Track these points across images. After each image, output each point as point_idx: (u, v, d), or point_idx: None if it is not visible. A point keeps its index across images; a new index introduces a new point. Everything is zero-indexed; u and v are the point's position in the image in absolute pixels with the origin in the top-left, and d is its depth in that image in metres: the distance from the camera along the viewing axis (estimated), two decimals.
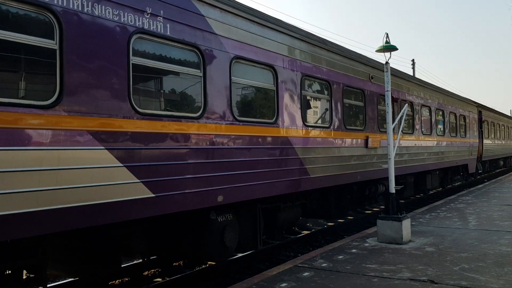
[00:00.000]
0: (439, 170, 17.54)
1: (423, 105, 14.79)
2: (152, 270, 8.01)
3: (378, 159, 11.45)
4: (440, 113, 16.65)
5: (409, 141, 13.69)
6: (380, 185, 12.37)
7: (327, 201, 10.62)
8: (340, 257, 7.22)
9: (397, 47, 8.60)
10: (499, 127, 28.88)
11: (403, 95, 13.15)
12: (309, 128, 8.59)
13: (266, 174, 7.36)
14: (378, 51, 8.69)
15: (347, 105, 10.17)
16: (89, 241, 5.78)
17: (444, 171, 18.64)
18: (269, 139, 7.45)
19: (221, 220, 6.86)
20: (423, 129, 14.71)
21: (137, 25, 5.30)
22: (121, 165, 5.04)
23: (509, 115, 41.21)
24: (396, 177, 13.52)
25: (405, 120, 13.09)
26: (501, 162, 31.55)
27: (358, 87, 10.62)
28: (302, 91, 8.45)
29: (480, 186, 20.42)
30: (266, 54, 7.47)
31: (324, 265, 6.73)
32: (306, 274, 6.25)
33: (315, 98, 9.19)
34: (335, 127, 9.50)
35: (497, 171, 30.93)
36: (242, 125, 6.83)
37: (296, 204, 8.87)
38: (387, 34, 8.52)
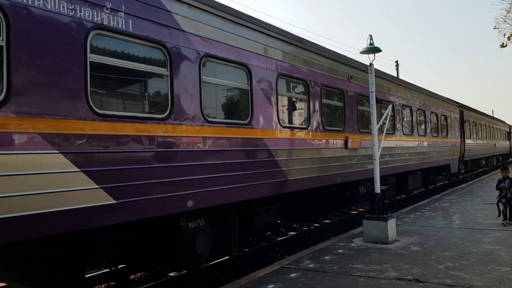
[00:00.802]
0: (421, 171, 17.46)
1: (404, 105, 14.67)
2: (138, 274, 7.72)
3: (358, 160, 11.26)
4: (422, 113, 16.57)
5: (390, 142, 13.54)
6: (361, 187, 12.17)
7: (307, 204, 10.39)
8: (327, 257, 7.23)
9: (381, 48, 8.68)
10: (481, 127, 29.07)
11: (384, 95, 12.99)
12: (286, 129, 8.33)
13: (240, 177, 7.07)
14: (362, 52, 8.73)
15: (325, 105, 9.94)
16: (47, 250, 5.42)
17: (426, 172, 18.57)
18: (243, 141, 7.17)
19: (192, 226, 6.55)
20: (404, 130, 14.59)
21: (95, 20, 4.96)
22: (78, 170, 4.70)
23: (491, 115, 41.64)
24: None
25: (388, 120, 12.95)
26: (483, 162, 31.77)
27: (337, 87, 10.40)
28: (278, 91, 8.19)
29: (463, 185, 20.55)
30: (239, 52, 7.19)
31: (311, 265, 6.74)
32: (293, 275, 6.26)
33: (292, 99, 8.93)
34: (313, 128, 9.26)
35: (479, 170, 31.13)
36: (213, 127, 6.54)
37: (273, 207, 8.59)
38: (371, 36, 8.63)
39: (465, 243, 7.82)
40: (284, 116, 8.51)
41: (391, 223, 8.31)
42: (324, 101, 9.81)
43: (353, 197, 12.09)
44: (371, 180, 13.06)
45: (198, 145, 6.24)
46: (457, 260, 6.69)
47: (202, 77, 6.39)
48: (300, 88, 9.04)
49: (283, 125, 8.24)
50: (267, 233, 10.48)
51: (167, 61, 5.83)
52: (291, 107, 9.02)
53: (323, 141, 9.61)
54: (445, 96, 22.55)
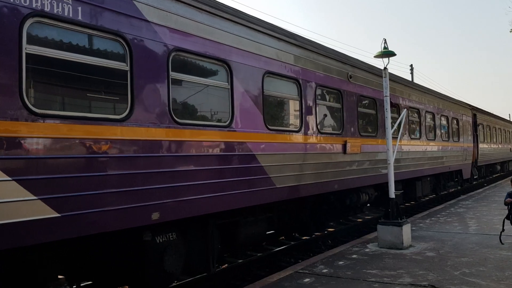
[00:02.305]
0: (431, 176, 16.53)
1: (411, 108, 13.80)
2: None
3: (359, 166, 10.46)
4: (431, 116, 15.66)
5: (395, 147, 12.67)
6: (362, 194, 11.36)
7: (301, 213, 9.61)
8: (341, 262, 7.17)
9: (396, 52, 8.58)
10: (496, 131, 27.88)
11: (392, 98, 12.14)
12: (274, 132, 7.59)
13: (219, 186, 6.36)
14: (376, 56, 8.62)
15: (321, 106, 9.18)
16: None
17: (436, 177, 17.63)
18: (222, 145, 6.45)
19: (161, 241, 5.84)
20: (411, 133, 13.72)
21: (33, 6, 4.31)
22: (9, 178, 4.03)
23: (508, 119, 40.18)
24: (381, 184, 12.62)
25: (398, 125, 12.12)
26: (498, 167, 30.51)
27: (335, 87, 9.63)
28: (265, 91, 7.46)
29: (479, 190, 20.10)
30: (217, 47, 6.49)
31: (324, 271, 6.68)
32: (306, 280, 6.21)
33: (282, 99, 8.18)
34: (307, 131, 8.50)
35: (494, 176, 29.88)
36: (184, 129, 5.83)
37: (260, 218, 7.84)
38: (385, 40, 8.52)
39: (481, 249, 7.68)
40: (272, 118, 7.77)
41: (406, 228, 8.22)
42: (319, 102, 9.05)
43: (354, 205, 11.28)
44: (374, 187, 12.32)
45: (165, 149, 5.54)
46: (473, 266, 6.57)
47: (171, 73, 5.70)
48: (291, 88, 8.29)
49: (270, 128, 7.50)
50: (281, 238, 10.21)
51: (127, 54, 5.15)
52: (281, 108, 8.29)
53: (318, 145, 8.84)
54: (457, 98, 21.60)
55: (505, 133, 31.77)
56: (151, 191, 5.34)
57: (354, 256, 7.65)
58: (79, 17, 4.68)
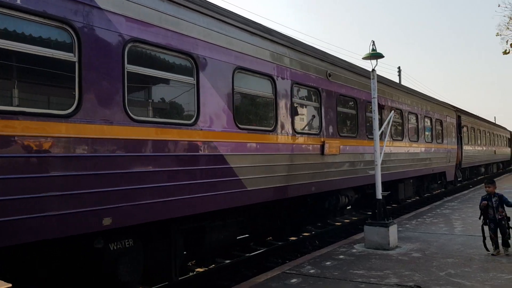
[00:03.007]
0: (414, 179, 16.28)
1: (393, 108, 13.49)
2: None
3: (338, 168, 10.10)
4: (414, 117, 15.39)
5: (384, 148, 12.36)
6: (342, 197, 11.01)
7: (276, 217, 9.21)
8: (328, 263, 7.20)
9: (384, 54, 8.64)
10: (480, 133, 27.85)
11: (368, 96, 11.80)
12: (245, 132, 7.18)
13: (181, 189, 5.92)
14: (364, 58, 8.65)
15: (297, 105, 8.79)
16: None
17: (420, 180, 17.39)
18: (185, 144, 6.01)
19: (115, 248, 5.39)
20: (393, 135, 13.42)
21: None
22: None
23: (492, 121, 40.34)
24: (361, 187, 12.29)
25: (368, 125, 11.80)
26: (483, 169, 30.51)
27: (312, 85, 9.25)
28: (235, 87, 7.04)
29: (465, 192, 20.17)
30: (182, 39, 6.05)
31: (312, 271, 6.70)
32: (294, 280, 6.23)
33: (254, 97, 7.77)
34: (281, 130, 8.10)
35: (479, 178, 29.86)
36: (141, 127, 5.37)
37: (229, 222, 7.42)
38: (373, 41, 8.55)
39: (466, 250, 7.71)
40: (243, 117, 7.36)
41: (393, 229, 8.28)
42: (295, 100, 8.66)
43: (333, 208, 10.92)
44: (355, 189, 11.99)
45: (118, 149, 5.08)
46: (458, 267, 6.61)
47: (127, 66, 5.24)
48: (264, 85, 7.88)
49: (241, 127, 7.09)
50: (269, 238, 10.10)
51: (75, 43, 4.68)
52: (253, 107, 7.88)
53: (294, 146, 8.45)
54: (443, 100, 21.42)
55: (490, 135, 31.80)
56: (102, 195, 4.89)
57: (341, 256, 7.67)
58: (18, 2, 4.21)
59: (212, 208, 6.49)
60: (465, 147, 22.95)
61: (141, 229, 5.74)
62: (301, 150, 8.69)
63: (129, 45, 5.29)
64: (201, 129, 6.27)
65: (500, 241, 7.22)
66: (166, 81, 5.89)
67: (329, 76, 9.87)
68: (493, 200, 7.16)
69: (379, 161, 8.76)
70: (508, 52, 20.26)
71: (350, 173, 10.71)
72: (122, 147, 5.12)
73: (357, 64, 11.66)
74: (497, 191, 7.45)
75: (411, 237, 9.29)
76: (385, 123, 10.20)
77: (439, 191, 21.09)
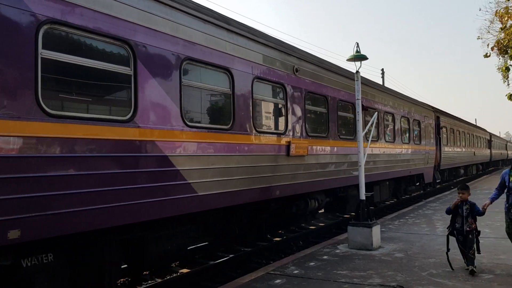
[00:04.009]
0: (390, 181, 15.74)
1: (368, 108, 12.89)
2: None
3: (306, 170, 9.43)
4: (390, 117, 14.85)
5: (351, 148, 11.75)
6: (311, 200, 10.34)
7: (236, 224, 8.49)
8: (312, 263, 7.23)
9: (367, 56, 8.69)
10: (459, 134, 27.57)
11: (338, 93, 11.17)
12: (196, 130, 6.45)
13: (114, 195, 5.15)
14: (349, 60, 8.69)
15: (258, 102, 8.09)
16: None
17: (397, 182, 16.87)
18: (119, 144, 5.24)
19: (29, 264, 4.60)
20: (368, 135, 12.80)
21: None
22: None
23: (472, 122, 40.26)
24: (333, 190, 11.66)
25: (339, 124, 11.18)
26: (462, 171, 30.29)
27: (277, 81, 8.56)
28: (184, 81, 6.30)
29: (446, 192, 20.29)
30: (115, 23, 5.29)
31: (296, 272, 6.73)
32: (278, 281, 6.25)
33: (207, 92, 7.03)
34: (240, 129, 7.39)
35: (458, 179, 29.63)
36: (60, 123, 4.59)
37: (177, 231, 6.67)
38: (358, 43, 8.60)
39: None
40: (194, 114, 6.63)
41: (376, 230, 8.32)
42: (257, 96, 7.96)
43: (301, 212, 10.25)
44: (326, 192, 11.35)
45: (28, 149, 4.30)
46: (440, 267, 6.62)
47: (41, 51, 4.46)
48: (220, 79, 7.16)
49: (191, 125, 6.35)
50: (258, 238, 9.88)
51: None
52: (207, 103, 7.15)
53: (254, 146, 7.75)
54: (421, 101, 21.00)
55: (469, 136, 31.62)
56: (6, 203, 4.10)
57: (325, 257, 7.69)
58: None
59: (153, 216, 5.74)
60: (444, 148, 22.58)
61: (66, 242, 4.96)
62: (263, 151, 7.99)
63: (44, 27, 4.51)
64: (139, 127, 5.51)
65: (466, 256, 6.31)
66: (95, 70, 5.10)
67: (296, 71, 9.20)
68: (464, 208, 6.24)
69: (362, 162, 8.76)
70: (489, 56, 20.32)
71: (320, 175, 10.05)
72: (34, 147, 4.34)
73: (332, 62, 11.02)
74: (472, 196, 6.77)
75: (394, 237, 9.32)
76: (369, 124, 10.16)
77: (417, 193, 20.68)
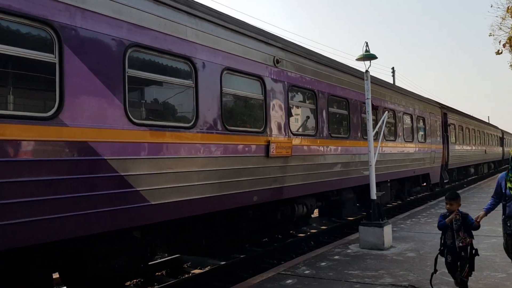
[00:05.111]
0: (392, 182, 14.67)
1: (363, 103, 11.85)
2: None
3: (291, 172, 8.46)
4: (391, 114, 13.78)
5: (346, 148, 10.75)
6: (298, 206, 9.36)
7: (207, 234, 7.54)
8: (323, 263, 7.21)
9: (377, 56, 8.63)
10: (469, 132, 26.31)
11: (334, 89, 10.16)
12: (145, 129, 5.52)
13: (33, 207, 4.26)
14: (358, 59, 8.69)
15: (230, 96, 7.16)
16: None
17: (400, 182, 15.80)
18: (37, 145, 4.34)
19: None
20: (363, 133, 11.78)
21: None
22: None
23: (482, 120, 38.81)
24: (325, 193, 10.68)
25: (331, 122, 10.18)
26: (472, 170, 28.98)
27: (253, 73, 7.61)
28: (130, 71, 5.38)
29: (460, 191, 19.19)
30: (32, 1, 4.39)
31: (307, 272, 6.71)
32: (289, 281, 6.22)
33: (163, 84, 6.08)
34: (206, 128, 6.45)
35: (469, 179, 28.34)
36: None
37: (131, 244, 5.75)
38: (367, 43, 8.51)
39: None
40: (143, 110, 5.73)
41: (387, 229, 8.30)
42: (227, 90, 7.02)
43: (287, 219, 9.28)
44: (317, 196, 10.37)
45: None
46: None
47: None
48: (180, 70, 6.23)
49: (138, 122, 5.43)
50: (264, 240, 9.96)
51: None
52: (161, 97, 6.22)
53: (224, 146, 6.80)
54: (428, 97, 19.84)
55: (480, 134, 30.29)
56: None
57: (336, 257, 7.68)
58: None
59: (90, 231, 4.83)
60: (452, 147, 21.39)
61: None
62: (235, 152, 7.04)
63: None
64: (65, 125, 4.59)
65: (459, 276, 5.07)
66: (10, 58, 4.21)
67: (277, 63, 8.23)
68: (454, 219, 5.01)
69: (373, 162, 8.72)
70: (501, 52, 19.98)
71: (308, 178, 9.07)
72: None
73: (314, 51, 10.03)
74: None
75: (406, 237, 9.27)
76: (380, 123, 10.06)
77: (423, 194, 19.57)
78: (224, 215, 7.53)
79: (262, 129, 7.73)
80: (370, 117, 8.84)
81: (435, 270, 5.16)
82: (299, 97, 9.14)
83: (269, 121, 7.87)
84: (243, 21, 7.71)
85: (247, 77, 7.51)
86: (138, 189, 5.37)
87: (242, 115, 7.59)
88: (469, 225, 5.01)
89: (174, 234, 6.94)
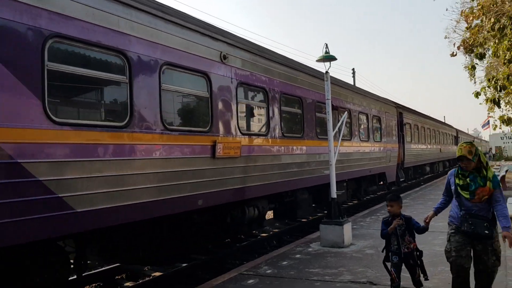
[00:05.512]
0: (349, 181, 14.59)
1: (318, 102, 11.65)
2: None
3: (240, 174, 8.09)
4: (345, 113, 13.64)
5: (300, 147, 10.49)
6: (249, 208, 9.01)
7: (151, 242, 7.05)
8: (285, 262, 7.29)
9: (337, 57, 8.78)
10: (424, 131, 26.85)
11: (283, 86, 9.85)
12: (68, 128, 4.98)
13: None
14: (318, 60, 8.80)
15: (170, 93, 6.69)
16: None
17: (356, 182, 15.76)
18: None
19: None
20: (318, 132, 11.58)
21: None
22: None
23: (437, 119, 39.87)
24: (278, 195, 10.39)
25: (284, 121, 9.88)
26: (428, 168, 29.64)
27: (197, 69, 7.16)
28: (50, 64, 4.83)
29: (417, 189, 20.43)
30: None
31: (268, 271, 6.77)
32: (251, 281, 6.27)
33: (90, 79, 5.49)
34: (141, 127, 5.95)
35: (425, 177, 28.95)
36: None
37: (52, 256, 5.19)
38: (326, 44, 8.67)
39: (418, 245, 6.90)
40: (66, 107, 5.19)
41: (347, 227, 8.47)
42: (167, 86, 6.54)
43: (239, 222, 8.91)
44: (269, 198, 10.06)
45: None
46: None
47: None
48: (112, 64, 5.71)
49: (58, 121, 4.88)
50: (227, 240, 9.82)
51: None
52: (89, 93, 5.70)
53: (164, 147, 6.33)
54: (387, 97, 20.00)
55: (435, 133, 31.03)
56: None
57: (298, 256, 7.76)
58: None
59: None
60: (408, 146, 21.69)
61: None
62: (177, 153, 6.58)
63: None
64: None
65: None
66: None
67: (225, 58, 7.82)
68: (397, 228, 4.75)
69: (333, 161, 8.84)
70: (456, 55, 20.35)
71: (259, 179, 8.72)
72: None
73: (266, 47, 9.70)
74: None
75: (365, 234, 9.44)
76: (339, 123, 10.11)
77: (381, 192, 19.72)
78: (168, 221, 7.05)
79: (207, 128, 7.30)
80: (330, 117, 8.89)
81: (393, 278, 4.85)
82: (249, 95, 8.78)
83: (215, 120, 7.45)
84: (187, 14, 7.25)
85: (191, 73, 7.07)
86: (60, 195, 4.83)
87: (185, 114, 7.14)
88: (414, 228, 4.78)
89: (109, 242, 6.39)
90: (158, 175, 6.21)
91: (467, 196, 4.31)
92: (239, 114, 8.21)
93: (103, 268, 7.67)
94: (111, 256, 6.74)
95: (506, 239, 4.12)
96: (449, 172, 4.67)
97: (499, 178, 16.36)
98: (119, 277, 7.66)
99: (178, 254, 7.95)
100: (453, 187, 4.50)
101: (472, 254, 4.40)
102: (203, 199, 7.15)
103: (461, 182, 4.37)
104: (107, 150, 5.44)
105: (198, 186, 7.00)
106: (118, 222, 5.62)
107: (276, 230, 11.37)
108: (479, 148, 4.49)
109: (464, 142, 4.44)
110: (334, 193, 8.70)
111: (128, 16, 5.90)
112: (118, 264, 7.69)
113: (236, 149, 7.93)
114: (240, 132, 8.14)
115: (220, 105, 7.62)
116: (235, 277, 6.52)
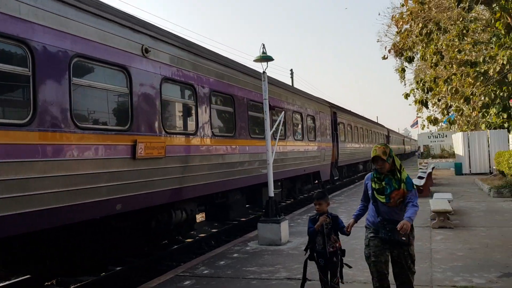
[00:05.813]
0: (283, 181, 14.54)
1: (251, 101, 11.43)
2: None
3: (165, 175, 7.63)
4: (278, 112, 13.57)
5: (231, 147, 10.19)
6: (176, 212, 8.57)
7: (61, 252, 6.43)
8: (222, 262, 7.28)
9: (273, 58, 8.82)
10: (358, 130, 27.66)
11: (212, 83, 9.50)
12: None
13: None
14: (255, 61, 8.85)
15: (82, 88, 6.11)
16: None
17: (291, 181, 15.77)
18: None
19: None
20: (251, 131, 11.36)
21: None
22: None
23: (370, 119, 41.35)
24: (208, 196, 10.03)
25: (214, 119, 9.54)
26: (361, 167, 30.61)
27: (114, 62, 6.62)
28: None
29: (351, 186, 21.19)
30: None
31: (206, 272, 6.74)
32: (187, 282, 6.21)
33: None
34: (45, 125, 5.35)
35: (358, 175, 29.85)
36: None
37: None
38: (263, 44, 8.66)
39: (349, 240, 7.34)
40: None
41: (284, 225, 8.58)
42: (79, 81, 5.96)
43: (165, 226, 8.44)
44: (198, 200, 9.68)
45: None
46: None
47: None
48: (11, 54, 5.07)
49: None
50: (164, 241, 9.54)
51: None
52: None
53: (71, 147, 5.73)
54: (322, 97, 20.24)
55: (367, 132, 32.11)
56: None
57: (235, 255, 7.77)
58: None
59: None
60: (341, 145, 22.17)
61: None
62: (91, 154, 6.01)
63: None
64: None
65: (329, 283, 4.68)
66: None
67: (146, 52, 7.32)
68: (324, 224, 4.60)
69: (271, 161, 8.95)
70: (387, 58, 21.26)
71: (186, 181, 8.31)
72: None
73: (193, 41, 9.29)
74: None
75: (302, 231, 9.39)
76: (276, 124, 10.12)
77: (316, 191, 19.92)
78: (83, 228, 6.46)
79: (127, 127, 6.78)
80: (267, 117, 8.93)
81: (305, 279, 4.73)
82: (175, 92, 8.33)
83: (136, 118, 6.95)
84: (103, 3, 6.68)
85: (107, 66, 6.51)
86: None
87: (101, 111, 6.57)
88: (339, 228, 4.65)
89: (10, 253, 5.71)
90: (68, 178, 5.63)
91: (383, 200, 4.22)
92: (164, 112, 7.75)
93: (14, 280, 6.91)
94: (15, 267, 6.04)
95: (400, 225, 4.01)
96: (366, 177, 4.56)
97: (425, 175, 16.84)
98: (49, 283, 7.17)
99: (110, 258, 7.38)
100: (370, 192, 4.40)
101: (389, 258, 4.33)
102: (122, 203, 6.63)
103: (377, 186, 4.28)
104: (5, 151, 4.80)
105: (116, 190, 6.48)
106: (22, 231, 5.00)
107: (214, 231, 11.14)
108: (392, 149, 4.42)
109: (378, 144, 4.37)
110: (271, 192, 8.75)
111: (32, 2, 5.27)
112: (29, 276, 6.97)
113: (160, 149, 7.47)
114: (165, 131, 7.69)
115: (141, 102, 7.13)
116: (171, 279, 6.45)
